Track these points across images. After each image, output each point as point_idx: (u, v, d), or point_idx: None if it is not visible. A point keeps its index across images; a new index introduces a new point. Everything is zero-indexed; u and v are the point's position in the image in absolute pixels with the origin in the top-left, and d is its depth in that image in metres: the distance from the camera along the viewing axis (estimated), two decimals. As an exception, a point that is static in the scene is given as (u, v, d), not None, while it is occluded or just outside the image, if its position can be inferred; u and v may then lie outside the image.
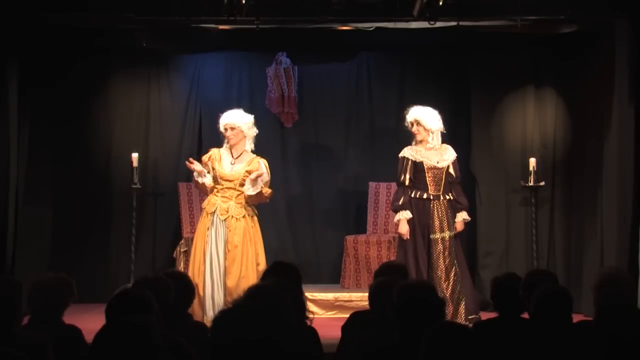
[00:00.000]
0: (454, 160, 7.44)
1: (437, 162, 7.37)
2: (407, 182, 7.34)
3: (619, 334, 3.46)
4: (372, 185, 8.99)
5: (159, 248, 9.00)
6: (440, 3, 6.58)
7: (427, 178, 7.37)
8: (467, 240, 9.02)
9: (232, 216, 7.18)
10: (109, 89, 9.07)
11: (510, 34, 8.02)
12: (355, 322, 4.66)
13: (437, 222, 7.30)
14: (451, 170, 7.40)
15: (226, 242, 7.14)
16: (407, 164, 7.37)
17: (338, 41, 8.70)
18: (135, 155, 8.62)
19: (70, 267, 7.65)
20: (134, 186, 8.61)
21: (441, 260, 7.24)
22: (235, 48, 9.10)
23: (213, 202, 7.25)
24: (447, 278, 7.21)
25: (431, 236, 7.30)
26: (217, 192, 7.27)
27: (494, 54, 8.70)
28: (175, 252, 8.43)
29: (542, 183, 8.51)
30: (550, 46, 8.52)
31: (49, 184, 8.70)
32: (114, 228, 8.99)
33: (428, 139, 7.36)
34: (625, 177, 7.49)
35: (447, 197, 7.38)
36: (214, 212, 7.20)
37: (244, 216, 7.22)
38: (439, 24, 7.19)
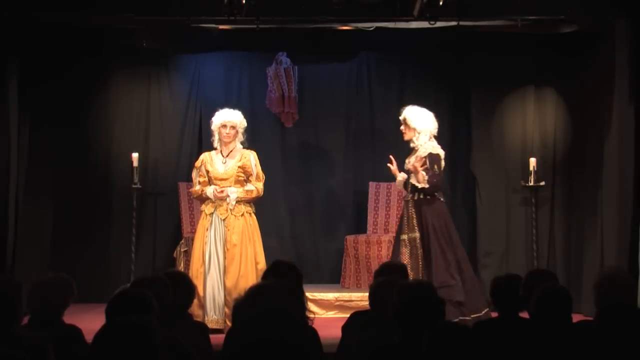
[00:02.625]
0: (427, 156, 7.24)
1: (406, 164, 7.38)
2: None
3: (620, 334, 3.46)
4: (372, 185, 8.99)
5: (159, 248, 9.00)
6: (440, 3, 6.58)
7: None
8: (467, 240, 9.04)
9: (231, 214, 7.20)
10: (109, 89, 9.07)
11: (510, 34, 8.01)
12: (355, 322, 4.66)
13: (405, 222, 7.30)
14: (434, 180, 7.28)
15: (225, 241, 7.16)
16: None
17: (338, 41, 8.69)
18: (135, 155, 8.62)
19: (70, 267, 7.65)
20: (134, 186, 8.62)
21: (402, 261, 7.19)
22: (235, 48, 9.10)
23: (210, 202, 7.27)
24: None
25: (400, 236, 7.31)
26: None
27: (494, 54, 8.70)
28: (175, 252, 8.43)
29: (542, 183, 8.51)
30: (551, 46, 8.52)
31: (49, 184, 8.70)
32: (114, 228, 9.00)
33: (413, 138, 7.33)
34: (625, 177, 7.49)
35: (415, 198, 7.29)
36: (213, 212, 7.23)
37: (242, 214, 7.25)
38: (439, 24, 7.19)
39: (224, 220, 7.20)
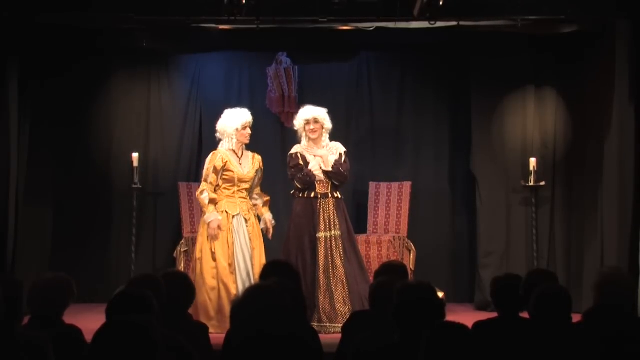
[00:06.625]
0: (342, 154, 7.44)
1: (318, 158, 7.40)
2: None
3: (605, 335, 3.47)
4: (372, 185, 8.99)
5: (159, 248, 9.00)
6: (441, 3, 6.58)
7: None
8: (467, 240, 9.05)
9: (252, 216, 7.34)
10: (109, 89, 9.08)
11: (510, 34, 8.02)
12: (355, 322, 4.67)
13: (322, 221, 7.28)
14: (342, 169, 7.39)
15: (250, 242, 7.21)
16: (300, 159, 7.41)
17: (338, 41, 8.70)
18: (135, 155, 8.63)
19: (70, 267, 7.67)
20: (134, 186, 8.62)
21: (322, 260, 7.21)
22: (235, 48, 9.11)
23: (232, 203, 7.27)
24: (327, 277, 7.17)
25: (317, 235, 7.28)
26: (234, 193, 7.30)
27: (494, 54, 8.69)
28: (175, 252, 8.43)
29: (543, 183, 8.51)
30: (551, 46, 8.52)
31: (49, 184, 8.70)
32: (114, 228, 9.01)
33: (322, 138, 7.43)
34: (625, 177, 7.49)
35: (336, 196, 7.36)
36: (237, 214, 7.23)
37: (256, 217, 7.41)
38: (439, 24, 7.20)
39: (246, 221, 7.24)
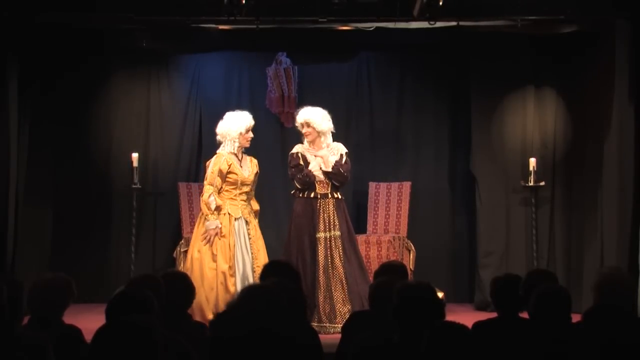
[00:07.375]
0: (342, 155, 7.44)
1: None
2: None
3: (605, 335, 3.47)
4: (372, 185, 8.99)
5: (159, 248, 9.00)
6: (440, 3, 6.58)
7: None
8: (467, 241, 9.05)
9: (252, 219, 7.31)
10: (109, 89, 9.08)
11: (510, 34, 8.02)
12: (355, 322, 4.67)
13: (322, 221, 7.28)
14: (342, 169, 7.39)
15: (251, 244, 7.21)
16: (300, 159, 7.40)
17: (338, 41, 8.70)
18: (135, 155, 8.63)
19: (70, 267, 7.67)
20: (134, 186, 8.63)
21: (322, 260, 7.21)
22: (235, 48, 9.11)
23: (234, 205, 7.26)
24: (327, 277, 7.18)
25: (316, 235, 7.28)
26: (236, 196, 7.28)
27: (493, 54, 8.69)
28: (175, 252, 8.43)
29: (542, 183, 8.52)
30: (550, 46, 8.52)
31: (49, 184, 8.70)
32: (114, 228, 9.01)
33: (320, 139, 7.42)
34: (625, 177, 7.49)
35: (336, 196, 7.37)
36: (240, 217, 7.22)
37: (256, 219, 7.40)
38: (439, 24, 7.21)
39: (247, 223, 7.25)
